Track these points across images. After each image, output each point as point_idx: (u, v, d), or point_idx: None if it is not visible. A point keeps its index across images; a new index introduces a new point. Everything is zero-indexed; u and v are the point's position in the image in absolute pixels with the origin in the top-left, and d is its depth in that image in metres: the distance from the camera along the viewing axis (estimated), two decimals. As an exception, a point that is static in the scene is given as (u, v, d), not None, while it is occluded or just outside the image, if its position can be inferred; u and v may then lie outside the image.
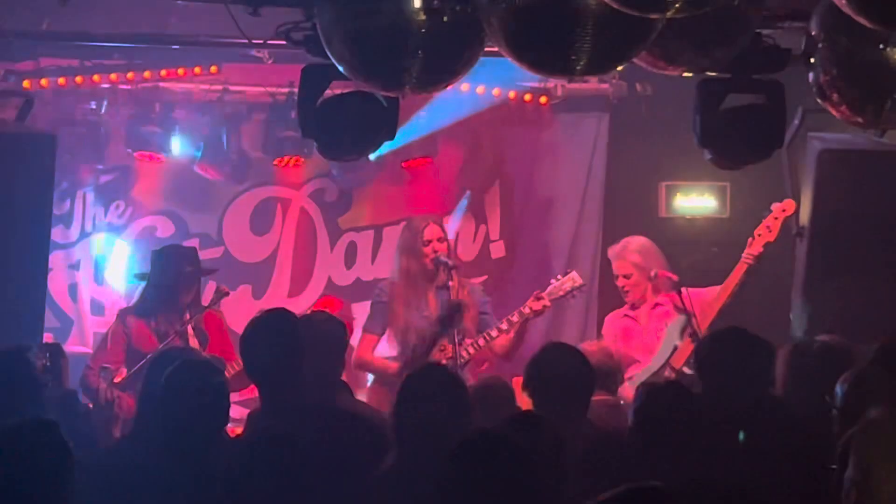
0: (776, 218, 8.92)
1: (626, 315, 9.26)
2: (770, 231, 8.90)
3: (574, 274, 9.03)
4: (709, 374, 6.35)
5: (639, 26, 5.78)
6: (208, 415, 5.80)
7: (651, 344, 9.02)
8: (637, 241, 9.33)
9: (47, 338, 8.96)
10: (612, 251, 9.36)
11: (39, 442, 4.61)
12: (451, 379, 5.87)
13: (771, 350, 6.38)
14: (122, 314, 8.93)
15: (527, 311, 8.79)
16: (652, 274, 9.11)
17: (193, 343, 8.63)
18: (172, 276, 8.79)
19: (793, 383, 6.53)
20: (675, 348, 8.75)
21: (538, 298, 8.82)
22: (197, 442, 5.69)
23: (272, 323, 6.52)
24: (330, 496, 5.37)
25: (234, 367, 8.17)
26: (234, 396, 6.29)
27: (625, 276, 9.20)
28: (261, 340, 6.39)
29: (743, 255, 8.90)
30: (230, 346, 8.51)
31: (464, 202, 10.94)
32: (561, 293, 8.94)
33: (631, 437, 5.90)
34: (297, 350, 6.31)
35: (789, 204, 8.96)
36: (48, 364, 6.85)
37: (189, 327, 8.66)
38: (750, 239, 8.94)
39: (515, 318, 8.80)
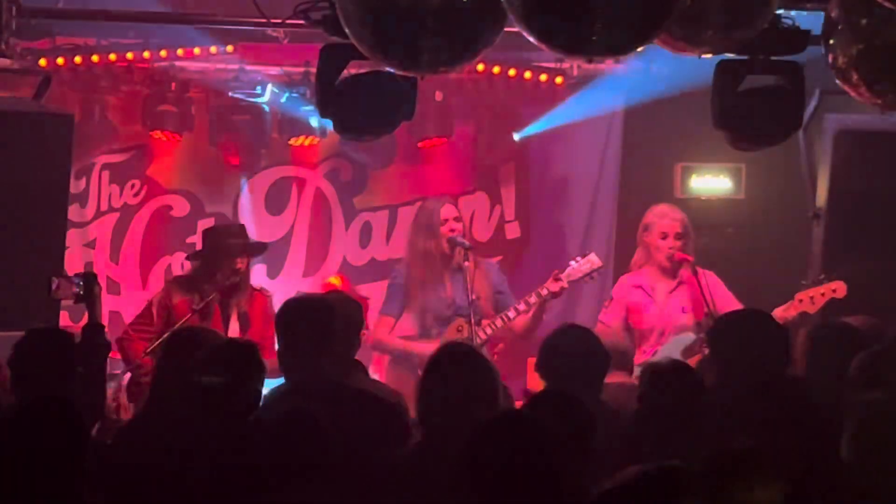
0: (823, 294, 8.71)
1: (640, 287, 9.12)
2: (813, 304, 8.70)
3: (593, 256, 9.02)
4: (723, 354, 6.35)
5: (659, 6, 5.77)
6: (234, 400, 5.81)
7: (663, 325, 8.98)
8: (668, 204, 9.29)
9: (63, 316, 8.98)
10: (651, 216, 9.14)
11: (54, 420, 4.63)
12: (476, 358, 5.86)
13: (785, 330, 6.39)
14: (170, 286, 8.93)
15: (544, 292, 8.80)
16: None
17: (234, 326, 8.64)
18: (220, 251, 8.80)
19: (813, 363, 6.53)
20: None
21: (556, 279, 8.82)
22: (221, 425, 5.71)
23: (310, 305, 6.55)
24: (352, 475, 5.37)
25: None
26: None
27: (676, 237, 9.01)
28: (297, 322, 6.41)
29: (775, 310, 8.53)
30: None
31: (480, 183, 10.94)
32: (579, 275, 8.94)
33: (638, 420, 5.88)
34: (330, 334, 6.33)
35: (840, 287, 8.71)
36: (81, 293, 6.84)
37: (234, 307, 8.66)
38: (790, 303, 8.73)
39: (533, 300, 8.81)
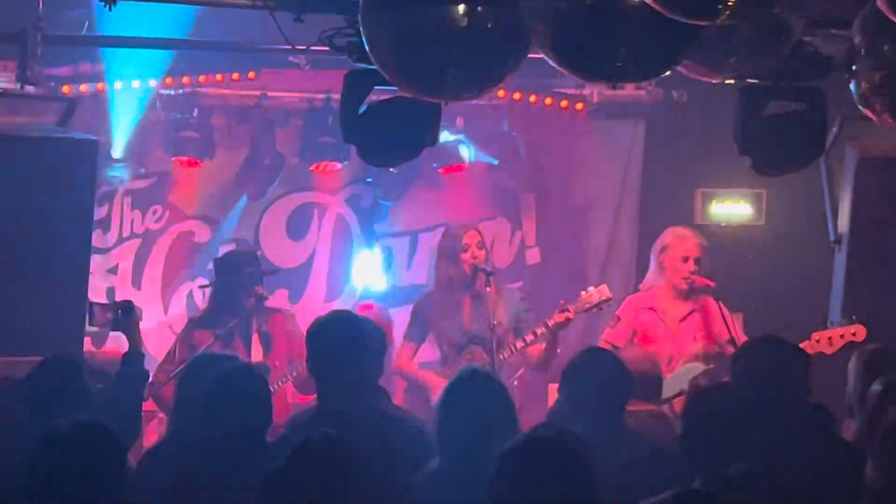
0: (842, 336, 8.67)
1: (652, 308, 9.08)
2: (830, 345, 8.66)
3: (604, 287, 9.01)
4: (744, 382, 6.34)
5: (684, 33, 5.79)
6: (249, 421, 5.83)
7: (673, 352, 8.92)
8: (688, 227, 9.29)
9: (87, 342, 9.01)
10: (670, 237, 9.11)
11: (93, 445, 4.65)
12: (494, 383, 5.88)
13: (806, 358, 6.37)
14: (189, 325, 9.11)
15: (551, 323, 8.80)
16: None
17: (257, 348, 8.69)
18: (232, 279, 8.86)
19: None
20: (681, 393, 8.42)
21: (563, 310, 8.80)
22: (239, 447, 5.73)
23: (340, 324, 6.56)
24: (374, 499, 5.38)
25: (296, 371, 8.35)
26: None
27: (696, 260, 8.96)
28: (327, 340, 6.42)
29: None
30: (301, 348, 8.51)
31: (501, 209, 10.96)
32: (588, 306, 8.93)
33: (684, 444, 5.83)
34: (360, 354, 6.33)
35: (860, 331, 8.68)
36: (119, 320, 6.86)
37: (254, 329, 8.72)
38: (807, 342, 8.65)
39: (541, 330, 8.82)
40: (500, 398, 5.78)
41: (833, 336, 8.66)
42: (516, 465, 4.47)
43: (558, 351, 8.83)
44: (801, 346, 8.34)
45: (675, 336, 8.98)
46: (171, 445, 6.23)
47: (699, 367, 8.76)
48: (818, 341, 8.66)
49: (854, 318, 8.70)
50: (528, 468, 4.44)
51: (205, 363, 6.52)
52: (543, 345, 8.83)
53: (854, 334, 8.65)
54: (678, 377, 8.65)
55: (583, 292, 8.99)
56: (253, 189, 10.67)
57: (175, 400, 6.51)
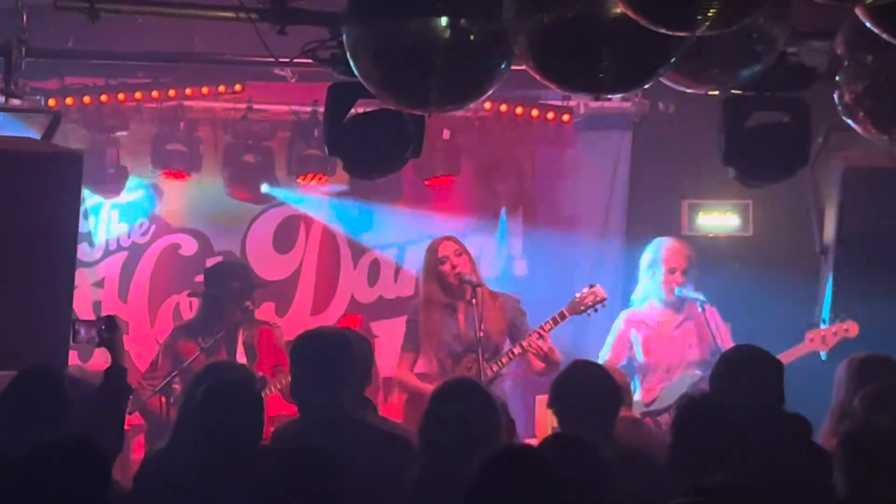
0: (835, 334, 8.77)
1: (645, 321, 9.16)
2: (825, 343, 8.77)
3: (598, 288, 8.98)
4: (720, 391, 6.35)
5: (666, 45, 5.79)
6: (242, 430, 5.82)
7: (670, 360, 8.98)
8: (675, 238, 9.33)
9: (72, 355, 8.98)
10: (658, 249, 9.23)
11: (77, 460, 4.64)
12: (478, 392, 5.88)
13: (780, 366, 6.40)
14: (175, 332, 9.15)
15: (526, 344, 8.79)
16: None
17: (241, 359, 8.70)
18: (222, 291, 8.87)
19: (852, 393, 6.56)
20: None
21: (540, 336, 8.79)
22: (231, 456, 5.72)
23: (323, 337, 6.56)
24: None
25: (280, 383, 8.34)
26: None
27: (683, 272, 9.07)
28: (310, 353, 6.42)
29: (787, 351, 8.66)
30: (285, 360, 8.52)
31: (503, 220, 10.96)
32: (583, 308, 8.91)
33: (674, 452, 5.83)
34: (344, 366, 6.34)
35: (852, 327, 8.78)
36: (103, 336, 6.85)
37: (239, 341, 8.73)
38: (802, 343, 8.82)
39: (518, 350, 8.82)
40: (485, 407, 5.78)
41: (827, 334, 8.72)
42: (492, 475, 4.47)
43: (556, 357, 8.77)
44: (797, 347, 8.48)
45: (670, 344, 9.06)
46: (167, 455, 6.21)
47: (697, 374, 8.79)
48: (812, 340, 8.73)
49: (845, 315, 8.73)
50: (504, 479, 4.44)
51: (205, 376, 6.54)
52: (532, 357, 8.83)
53: (847, 330, 8.71)
54: (675, 386, 8.70)
55: (577, 294, 8.98)
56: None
57: (178, 410, 6.53)
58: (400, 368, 9.04)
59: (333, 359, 6.34)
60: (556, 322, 8.87)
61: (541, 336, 8.75)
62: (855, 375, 6.87)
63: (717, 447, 5.59)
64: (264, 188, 10.58)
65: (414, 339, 8.99)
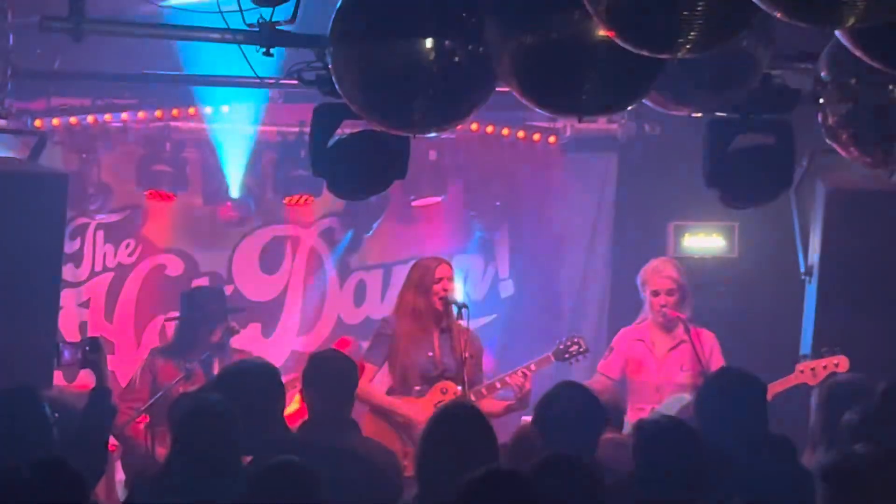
0: (825, 367, 8.69)
1: (642, 340, 9.18)
2: (814, 376, 8.69)
3: (581, 340, 9.06)
4: (704, 412, 6.36)
5: (649, 66, 5.81)
6: (217, 453, 5.83)
7: (661, 381, 9.00)
8: (667, 259, 9.35)
9: (58, 375, 8.98)
10: (646, 273, 9.20)
11: (53, 483, 4.63)
12: (477, 419, 5.87)
13: (764, 387, 6.41)
14: (152, 354, 9.12)
15: (509, 379, 8.81)
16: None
17: None
18: (198, 315, 8.88)
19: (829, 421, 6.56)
20: None
21: (524, 375, 8.80)
22: (212, 482, 5.73)
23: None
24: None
25: None
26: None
27: (668, 293, 9.06)
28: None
29: (777, 381, 8.60)
30: None
31: (475, 242, 10.97)
32: (566, 356, 9.00)
33: (638, 475, 5.87)
34: (329, 390, 6.38)
35: (843, 361, 8.71)
36: (87, 358, 6.84)
37: (216, 368, 8.72)
38: (791, 374, 8.75)
39: (499, 385, 8.83)
40: (483, 433, 5.78)
41: (816, 367, 8.71)
42: (475, 496, 4.47)
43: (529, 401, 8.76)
44: (786, 377, 8.48)
45: (663, 366, 9.08)
46: (162, 476, 6.22)
47: (686, 397, 8.78)
48: (802, 372, 8.72)
49: (836, 348, 8.73)
50: (486, 500, 4.45)
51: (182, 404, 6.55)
52: (502, 402, 8.85)
53: (837, 365, 8.70)
54: (667, 407, 8.71)
55: (560, 343, 9.03)
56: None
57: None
58: (361, 381, 8.96)
59: (319, 383, 6.37)
60: (540, 365, 8.89)
61: (524, 376, 8.78)
62: (825, 401, 6.87)
63: (682, 470, 5.62)
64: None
65: (380, 353, 8.90)
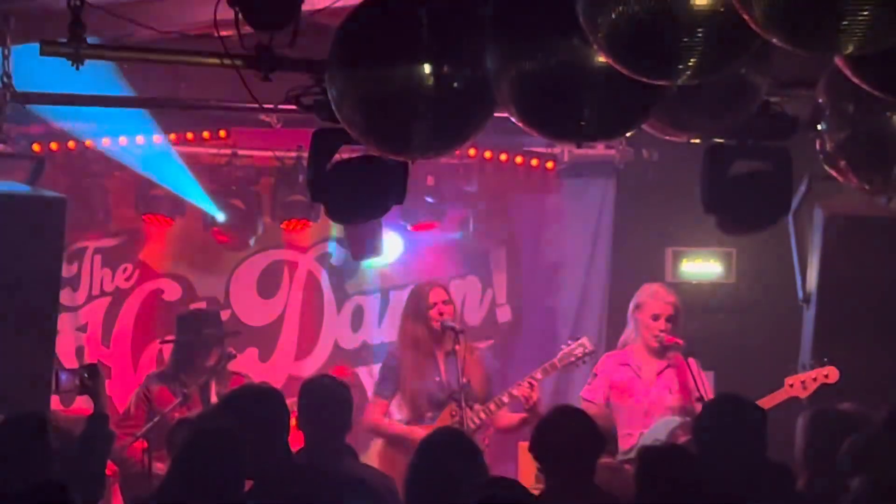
0: (815, 379, 8.75)
1: (627, 364, 9.12)
2: (804, 389, 8.75)
3: (585, 340, 9.05)
4: (704, 439, 6.36)
5: (647, 93, 5.82)
6: (217, 478, 5.82)
7: (649, 405, 8.96)
8: (662, 284, 9.35)
9: (54, 400, 8.96)
10: (643, 295, 9.18)
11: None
12: (466, 444, 5.87)
13: (764, 414, 6.41)
14: (148, 379, 9.15)
15: (515, 392, 8.81)
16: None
17: None
18: (193, 339, 8.87)
19: (812, 449, 6.54)
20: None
21: (530, 386, 8.82)
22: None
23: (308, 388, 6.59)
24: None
25: None
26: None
27: (668, 318, 9.02)
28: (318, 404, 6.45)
29: (767, 396, 8.65)
30: None
31: (472, 267, 10.97)
32: (570, 360, 8.97)
33: (640, 501, 5.87)
34: (326, 415, 6.37)
35: (832, 372, 8.77)
36: (80, 385, 6.83)
37: (213, 392, 8.72)
38: (781, 389, 8.78)
39: (506, 398, 8.83)
40: (472, 458, 5.78)
41: (806, 379, 8.73)
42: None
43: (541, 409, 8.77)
44: (776, 392, 8.47)
45: (650, 390, 9.05)
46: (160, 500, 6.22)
47: (675, 420, 8.77)
48: (792, 386, 8.74)
49: (825, 360, 8.73)
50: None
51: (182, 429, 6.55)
52: (517, 415, 8.84)
53: (826, 376, 8.72)
54: (655, 430, 8.68)
55: (564, 346, 9.01)
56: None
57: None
58: (373, 415, 9.01)
59: (315, 408, 6.36)
60: (546, 373, 8.92)
61: (531, 386, 8.78)
62: (806, 429, 6.86)
63: (683, 496, 5.62)
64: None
65: (390, 385, 8.98)
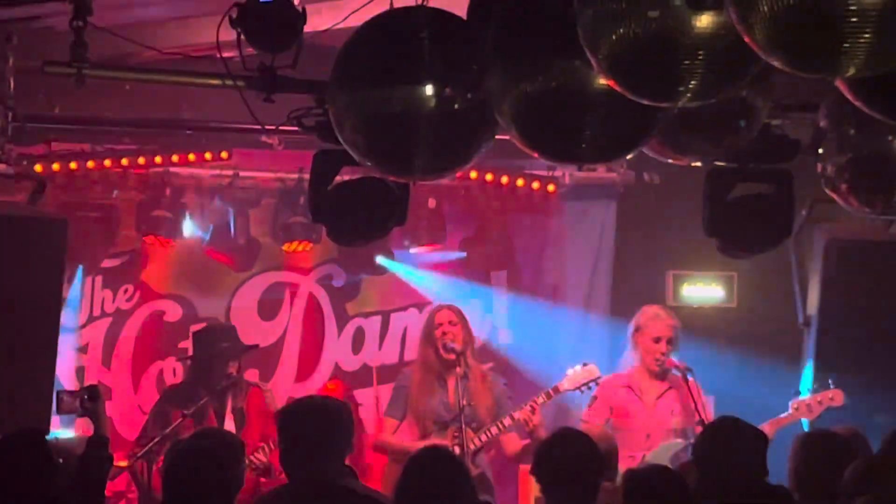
0: (820, 402, 8.76)
1: (628, 386, 9.11)
2: (810, 412, 8.76)
3: (593, 366, 9.04)
4: (704, 462, 6.35)
5: (648, 115, 5.83)
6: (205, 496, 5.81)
7: (651, 428, 8.95)
8: (662, 307, 9.33)
9: (54, 421, 8.96)
10: (644, 318, 9.15)
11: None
12: (453, 462, 5.87)
13: (764, 438, 6.40)
14: (165, 394, 9.16)
15: (517, 416, 8.81)
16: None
17: (229, 424, 8.66)
18: (209, 353, 8.86)
19: (805, 472, 6.52)
20: None
21: (532, 409, 8.81)
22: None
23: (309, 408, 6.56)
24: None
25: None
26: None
27: (668, 341, 9.01)
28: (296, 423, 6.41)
29: (770, 420, 8.66)
30: (273, 431, 8.46)
31: (473, 289, 10.96)
32: (576, 385, 8.97)
33: None
34: (329, 435, 6.33)
35: (837, 395, 8.77)
36: (80, 406, 6.83)
37: (229, 406, 8.70)
38: (784, 414, 8.79)
39: (508, 422, 8.82)
40: (459, 477, 5.77)
41: (812, 402, 8.72)
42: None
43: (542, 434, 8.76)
44: (781, 416, 8.46)
45: (652, 413, 9.04)
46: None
47: (678, 443, 8.77)
48: (797, 409, 8.72)
49: (830, 382, 8.73)
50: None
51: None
52: (524, 441, 8.84)
53: (832, 399, 8.70)
54: (657, 454, 8.67)
55: (570, 371, 9.01)
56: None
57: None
58: (382, 434, 9.04)
59: (319, 427, 6.32)
60: (549, 396, 8.91)
61: (533, 409, 8.76)
62: (797, 451, 6.84)
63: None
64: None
65: (400, 407, 9.01)
